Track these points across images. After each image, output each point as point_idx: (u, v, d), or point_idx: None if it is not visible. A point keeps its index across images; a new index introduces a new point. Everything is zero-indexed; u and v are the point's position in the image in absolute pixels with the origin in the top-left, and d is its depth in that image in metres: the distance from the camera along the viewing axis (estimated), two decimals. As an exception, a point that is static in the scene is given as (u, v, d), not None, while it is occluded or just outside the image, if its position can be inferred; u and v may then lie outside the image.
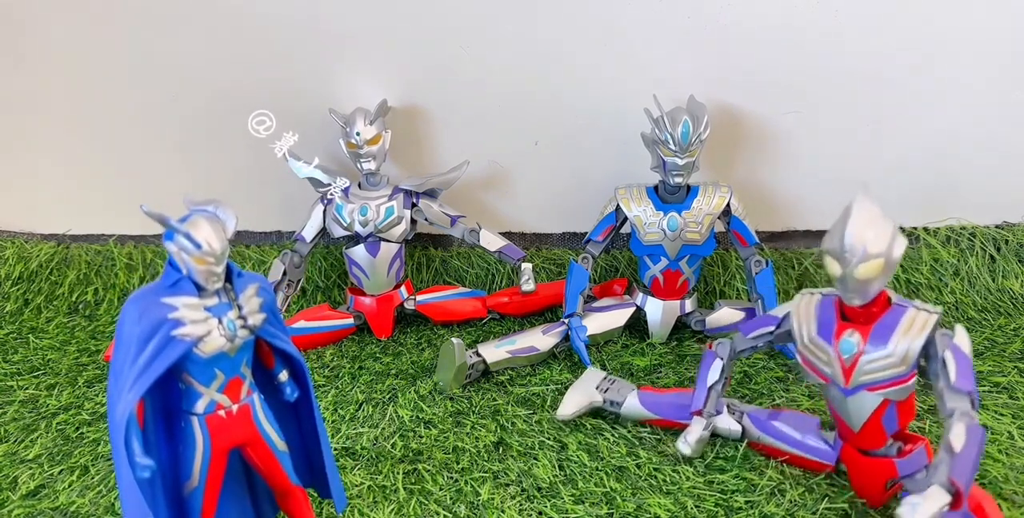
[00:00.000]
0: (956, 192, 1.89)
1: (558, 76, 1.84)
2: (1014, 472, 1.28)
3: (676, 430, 1.42)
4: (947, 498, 0.97)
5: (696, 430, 1.32)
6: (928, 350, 1.11)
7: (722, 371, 1.34)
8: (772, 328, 1.28)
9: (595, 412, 1.51)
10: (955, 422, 1.03)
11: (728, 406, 1.41)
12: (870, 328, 1.13)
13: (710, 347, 1.37)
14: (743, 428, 1.38)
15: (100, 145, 2.06)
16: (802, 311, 1.21)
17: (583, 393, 1.50)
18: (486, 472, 1.36)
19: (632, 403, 1.46)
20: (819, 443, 1.30)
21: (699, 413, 1.34)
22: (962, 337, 1.10)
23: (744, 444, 1.38)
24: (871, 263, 1.06)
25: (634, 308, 1.81)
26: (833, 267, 1.10)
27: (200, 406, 1.05)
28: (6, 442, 1.52)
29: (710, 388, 1.34)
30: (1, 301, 2.12)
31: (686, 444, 1.32)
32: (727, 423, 1.38)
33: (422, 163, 1.98)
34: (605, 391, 1.50)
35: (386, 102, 1.84)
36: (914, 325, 1.11)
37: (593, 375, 1.56)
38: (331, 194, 1.83)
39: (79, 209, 2.17)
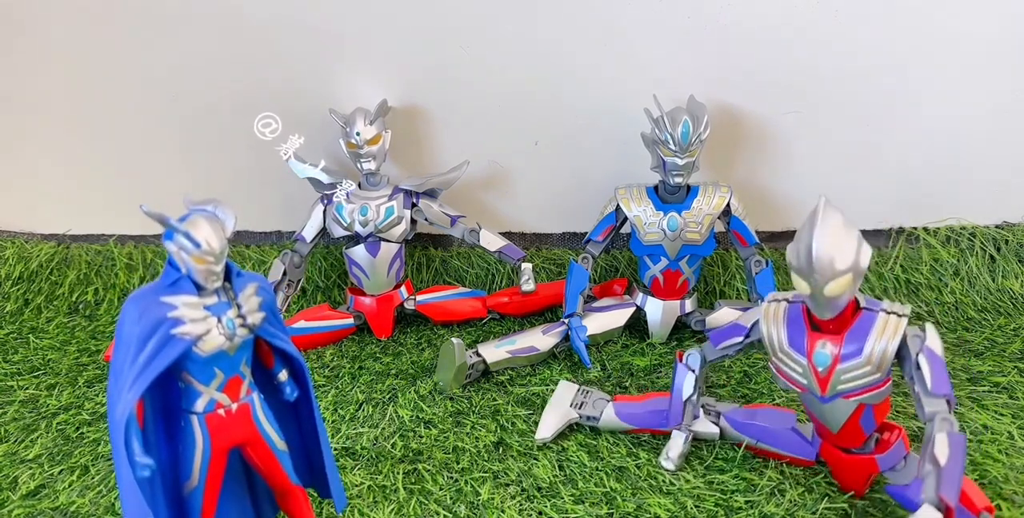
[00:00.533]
0: (956, 192, 1.89)
1: (558, 76, 1.84)
2: (1014, 472, 1.28)
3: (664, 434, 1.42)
4: (939, 515, 0.98)
5: (677, 445, 1.33)
6: (900, 351, 1.12)
7: (695, 383, 1.34)
8: (741, 338, 1.28)
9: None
10: (936, 431, 1.04)
11: (704, 406, 1.40)
12: (842, 337, 1.13)
13: (680, 357, 1.36)
14: (720, 429, 1.38)
15: (100, 145, 2.07)
16: (771, 320, 1.20)
17: (558, 412, 1.47)
18: (486, 472, 1.36)
19: (609, 416, 1.44)
20: (797, 439, 1.30)
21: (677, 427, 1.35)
22: (933, 339, 1.11)
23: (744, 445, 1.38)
24: (840, 280, 1.05)
25: (634, 308, 1.80)
26: (801, 285, 1.09)
27: (200, 405, 1.05)
28: (6, 442, 1.52)
29: (685, 402, 1.34)
30: (1, 301, 2.12)
31: (669, 460, 1.32)
32: (704, 426, 1.38)
33: (422, 163, 1.98)
34: (580, 406, 1.47)
35: (386, 102, 1.84)
36: (886, 331, 1.11)
37: (566, 390, 1.53)
38: (337, 197, 1.83)
39: (79, 209, 2.18)
